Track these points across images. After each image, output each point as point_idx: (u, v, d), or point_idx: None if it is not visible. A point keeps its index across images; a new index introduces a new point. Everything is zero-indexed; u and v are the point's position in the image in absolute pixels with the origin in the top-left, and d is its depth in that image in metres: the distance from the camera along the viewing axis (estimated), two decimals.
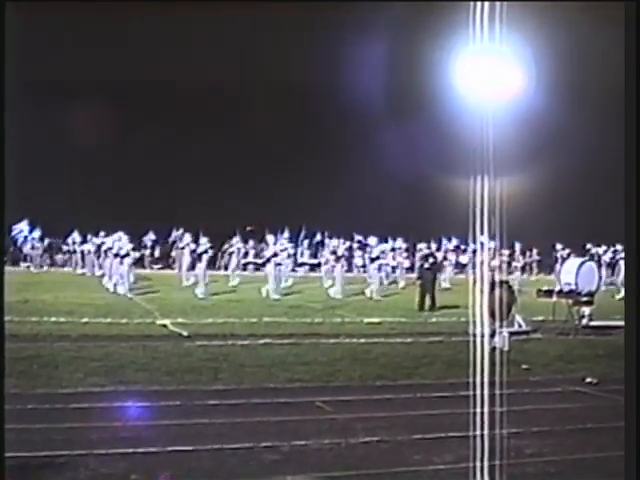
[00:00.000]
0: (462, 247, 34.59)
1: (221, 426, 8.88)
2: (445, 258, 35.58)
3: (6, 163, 6.00)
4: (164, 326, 17.68)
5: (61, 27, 32.76)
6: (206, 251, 28.10)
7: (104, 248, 30.01)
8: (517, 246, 36.05)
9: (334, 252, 30.80)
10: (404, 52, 31.70)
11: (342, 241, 33.01)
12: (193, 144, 42.03)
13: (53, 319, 17.90)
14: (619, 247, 33.07)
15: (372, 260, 29.49)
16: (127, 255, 27.25)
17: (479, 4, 5.85)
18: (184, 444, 8.02)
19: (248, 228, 40.39)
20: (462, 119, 6.54)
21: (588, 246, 35.28)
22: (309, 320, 19.84)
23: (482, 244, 6.48)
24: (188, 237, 32.68)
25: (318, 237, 39.76)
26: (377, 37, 32.34)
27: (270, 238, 30.16)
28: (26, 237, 39.45)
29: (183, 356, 13.79)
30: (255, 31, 36.96)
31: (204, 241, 28.57)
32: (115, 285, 26.65)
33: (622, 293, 30.13)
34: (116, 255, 27.37)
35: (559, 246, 34.95)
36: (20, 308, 18.30)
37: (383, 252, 30.44)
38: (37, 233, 39.22)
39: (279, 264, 28.26)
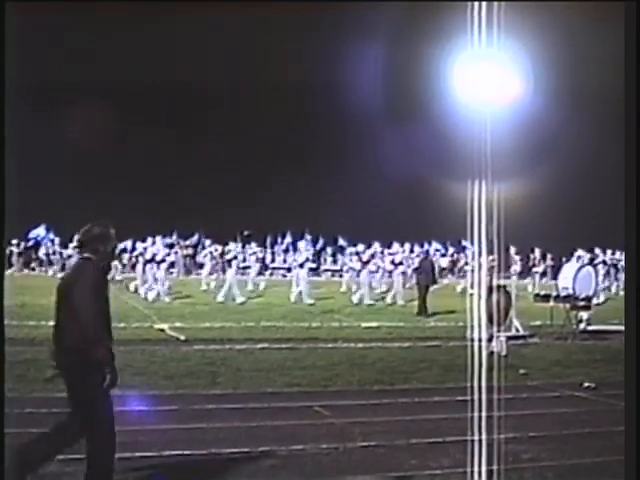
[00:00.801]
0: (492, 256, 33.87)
1: (219, 430, 8.87)
2: (466, 263, 35.68)
3: (17, 167, 6.00)
4: (161, 330, 17.69)
5: (61, 28, 32.80)
6: (236, 257, 28.35)
7: (135, 253, 30.08)
8: (537, 251, 36.33)
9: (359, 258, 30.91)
10: (402, 55, 31.73)
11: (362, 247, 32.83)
12: (191, 147, 42.11)
13: (51, 323, 17.85)
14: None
15: (395, 265, 29.63)
16: (163, 261, 27.44)
17: (477, 8, 5.85)
18: (181, 448, 8.01)
19: (245, 232, 40.43)
20: (460, 123, 6.53)
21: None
22: (307, 324, 19.86)
23: (479, 249, 6.47)
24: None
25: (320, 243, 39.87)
26: (375, 40, 32.38)
27: (302, 244, 30.58)
28: (39, 242, 39.66)
29: (181, 360, 13.78)
30: (254, 33, 37.00)
31: (232, 247, 28.74)
32: (147, 291, 26.98)
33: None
34: (150, 261, 27.57)
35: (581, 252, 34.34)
36: (17, 312, 18.28)
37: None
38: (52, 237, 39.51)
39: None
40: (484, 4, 5.84)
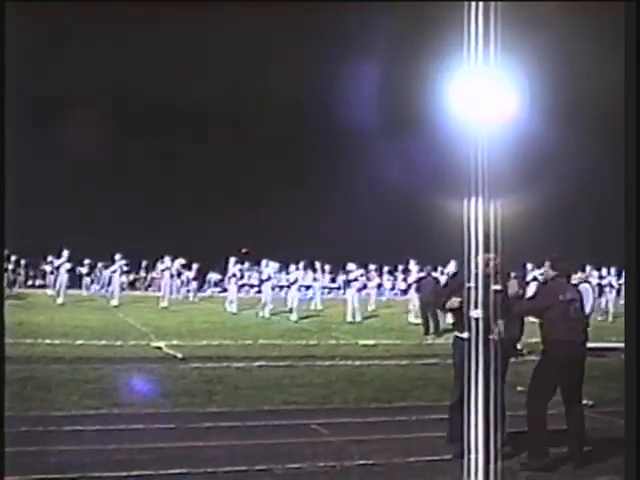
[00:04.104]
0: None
1: (215, 449, 8.83)
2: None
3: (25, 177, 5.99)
4: (159, 348, 17.64)
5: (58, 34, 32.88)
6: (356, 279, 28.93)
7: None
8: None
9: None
10: (398, 72, 31.82)
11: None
12: (184, 162, 42.25)
13: (48, 341, 17.83)
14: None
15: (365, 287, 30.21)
16: (296, 281, 28.60)
17: (474, 25, 5.87)
18: (178, 467, 7.96)
19: (243, 250, 40.51)
20: (456, 140, 6.54)
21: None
22: (304, 342, 19.82)
23: (476, 265, 6.47)
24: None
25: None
26: (371, 56, 32.48)
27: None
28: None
29: (178, 378, 13.73)
30: (246, 52, 37.13)
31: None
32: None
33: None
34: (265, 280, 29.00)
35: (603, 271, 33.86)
36: (15, 330, 18.22)
37: None
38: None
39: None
40: (480, 21, 5.86)
